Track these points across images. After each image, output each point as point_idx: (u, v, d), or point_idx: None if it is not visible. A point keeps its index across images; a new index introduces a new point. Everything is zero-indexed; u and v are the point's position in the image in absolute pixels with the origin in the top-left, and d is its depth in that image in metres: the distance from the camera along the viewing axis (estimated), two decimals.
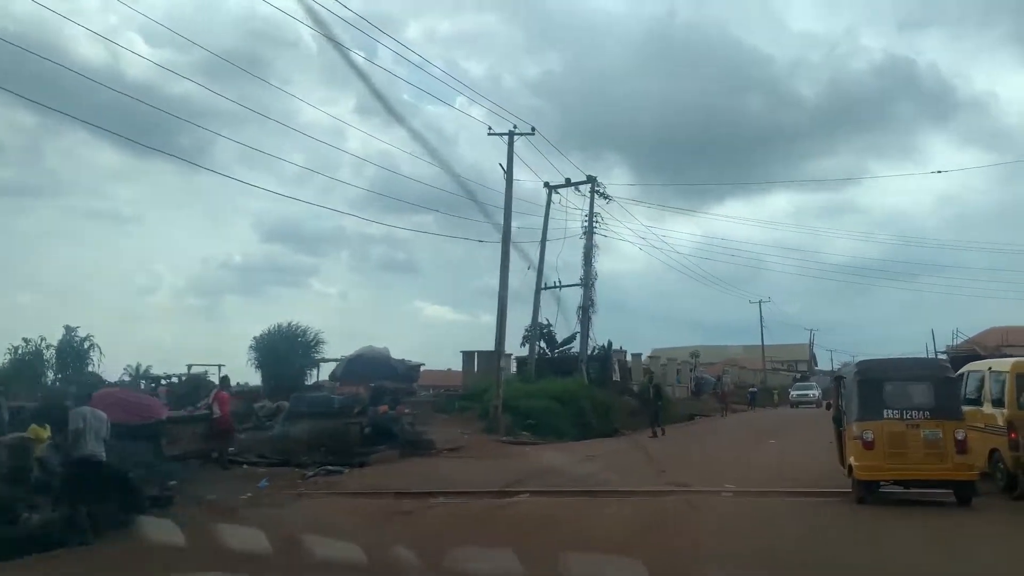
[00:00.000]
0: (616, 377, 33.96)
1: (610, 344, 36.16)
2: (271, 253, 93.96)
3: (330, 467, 14.75)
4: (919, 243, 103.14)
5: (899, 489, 11.12)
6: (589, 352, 32.61)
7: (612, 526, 9.18)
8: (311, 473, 14.28)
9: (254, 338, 32.04)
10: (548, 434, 24.28)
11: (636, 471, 14.61)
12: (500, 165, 24.72)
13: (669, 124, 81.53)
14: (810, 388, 50.83)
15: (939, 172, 68.02)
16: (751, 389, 56.87)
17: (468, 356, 32.02)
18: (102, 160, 73.01)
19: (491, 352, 32.70)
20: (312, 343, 34.65)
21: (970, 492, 10.53)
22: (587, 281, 31.76)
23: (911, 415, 10.71)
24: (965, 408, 12.49)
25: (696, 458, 16.42)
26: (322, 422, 18.18)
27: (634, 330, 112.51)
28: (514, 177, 24.78)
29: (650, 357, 46.44)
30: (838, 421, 12.35)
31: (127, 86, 38.22)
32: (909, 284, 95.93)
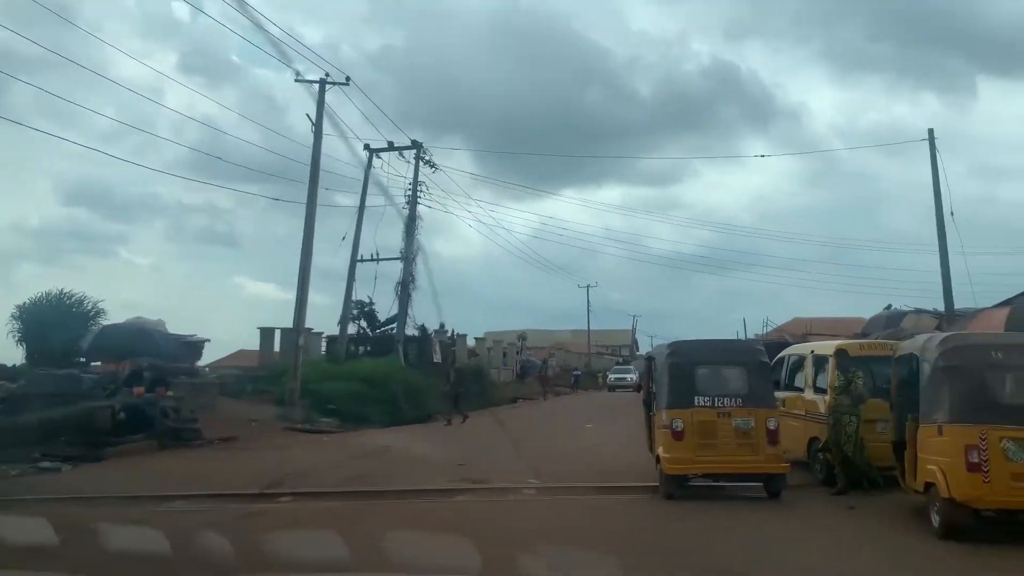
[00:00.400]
0: (437, 359, 32.02)
1: (442, 326, 34.41)
2: (74, 217, 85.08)
3: (45, 463, 11.74)
4: (736, 236, 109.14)
5: (708, 482, 10.19)
6: (409, 332, 30.44)
7: (367, 538, 7.09)
8: (15, 472, 11.24)
9: (16, 307, 27.40)
10: (353, 420, 22.03)
11: (431, 465, 12.69)
12: (307, 116, 21.95)
13: (511, 111, 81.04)
14: (628, 372, 51.24)
15: (763, 156, 71.13)
16: (574, 372, 57.14)
17: (267, 333, 28.82)
18: None
19: (305, 330, 30.09)
20: (91, 314, 30.44)
21: (780, 486, 9.80)
22: (408, 254, 29.58)
23: (723, 402, 9.84)
24: (784, 394, 11.66)
25: (505, 447, 14.75)
26: (63, 406, 14.86)
27: (469, 314, 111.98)
28: (326, 139, 22.08)
29: (477, 339, 44.94)
30: (648, 405, 11.17)
31: None
32: (725, 275, 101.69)
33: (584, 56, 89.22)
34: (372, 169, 29.48)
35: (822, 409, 10.44)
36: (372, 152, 29.56)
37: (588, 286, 70.83)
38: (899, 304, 26.67)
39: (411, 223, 29.57)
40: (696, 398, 9.88)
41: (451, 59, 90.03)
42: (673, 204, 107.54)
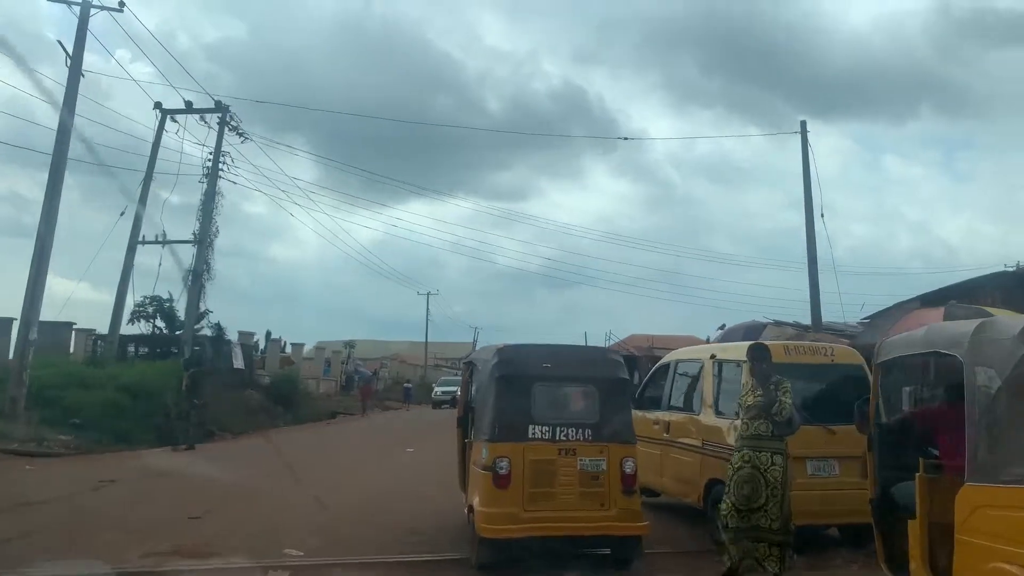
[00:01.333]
0: (238, 364, 27.02)
1: (260, 335, 29.21)
2: None
3: None
4: (578, 253, 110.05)
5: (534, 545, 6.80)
6: (199, 331, 25.28)
7: None
8: None
9: None
10: (105, 439, 16.98)
11: (149, 516, 8.39)
12: (59, 43, 16.86)
13: (358, 115, 76.43)
14: (456, 384, 47.75)
15: (625, 139, 68.36)
16: (406, 384, 53.05)
17: (3, 325, 22.65)
18: None
19: (57, 324, 24.25)
20: None
21: (634, 553, 6.97)
22: (203, 237, 24.48)
23: (566, 434, 6.91)
24: (669, 416, 8.47)
25: (278, 488, 10.48)
26: None
27: (300, 321, 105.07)
28: (80, 70, 16.98)
29: (294, 345, 39.94)
30: (464, 424, 8.24)
31: None
32: (566, 291, 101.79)
33: (435, 65, 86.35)
34: (166, 134, 24.39)
35: (729, 439, 7.15)
36: (165, 113, 24.45)
37: (428, 293, 67.04)
38: (757, 318, 25.26)
39: (209, 199, 24.61)
40: (532, 428, 6.88)
41: (296, 58, 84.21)
42: (520, 219, 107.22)
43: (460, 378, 22.43)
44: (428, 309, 67.57)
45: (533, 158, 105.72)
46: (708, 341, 40.05)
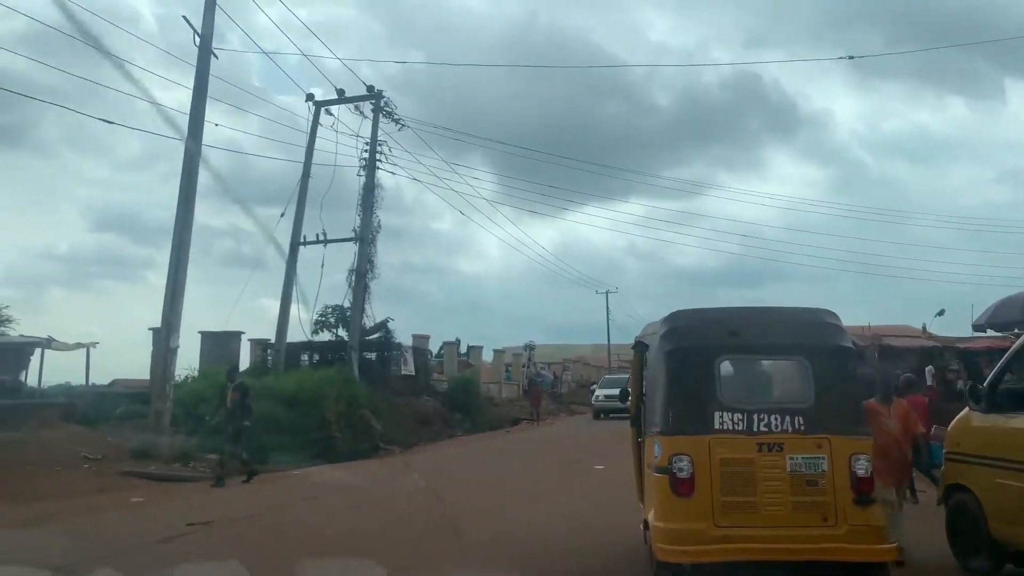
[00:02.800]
0: (406, 370, 25.06)
1: (412, 337, 27.35)
2: (102, 243, 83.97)
3: None
4: (762, 247, 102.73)
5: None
6: (365, 335, 23.48)
7: None
8: None
9: None
10: (255, 455, 15.10)
11: None
12: (185, 19, 15.27)
13: (531, 126, 75.30)
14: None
15: (850, 57, 58.46)
16: (592, 387, 49.92)
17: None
18: None
19: (227, 334, 23.32)
20: None
21: None
22: (364, 234, 22.66)
23: (768, 423, 5.25)
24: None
25: (427, 533, 7.45)
26: None
27: (482, 329, 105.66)
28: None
29: (471, 347, 37.96)
30: (637, 422, 6.74)
31: None
32: (751, 288, 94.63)
33: (603, 70, 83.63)
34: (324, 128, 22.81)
35: None
36: (319, 105, 22.88)
37: (607, 291, 63.66)
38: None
39: (368, 192, 22.71)
40: (719, 415, 5.33)
41: (469, 78, 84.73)
42: (698, 216, 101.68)
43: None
44: (608, 308, 64.24)
45: (710, 151, 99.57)
46: (925, 329, 34.25)
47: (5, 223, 73.25)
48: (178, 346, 14.85)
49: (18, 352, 16.87)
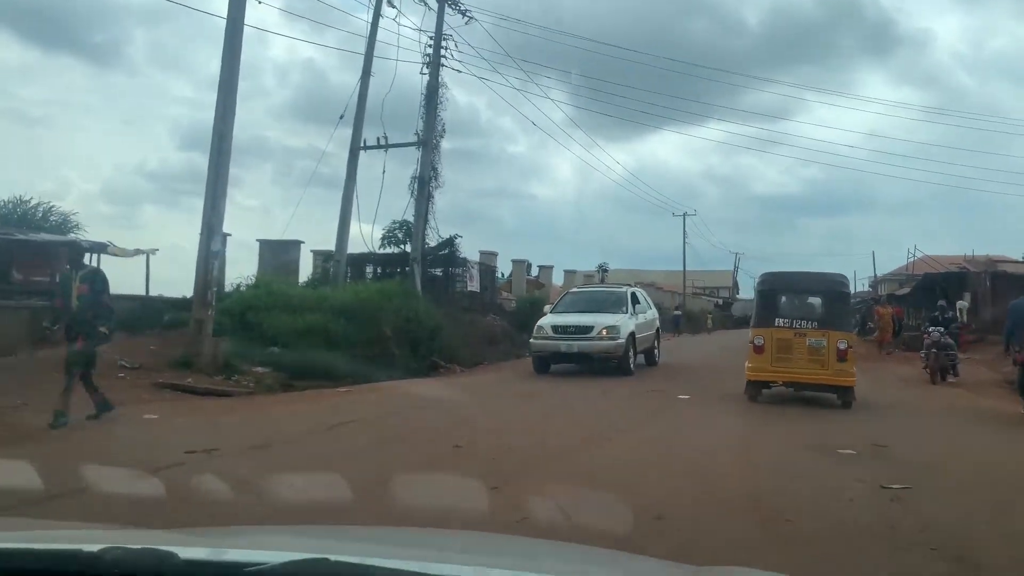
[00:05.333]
0: (472, 287, 23.58)
1: (479, 253, 25.80)
2: (190, 161, 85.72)
3: None
4: (846, 174, 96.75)
5: (790, 390, 12.01)
6: (429, 246, 21.97)
7: None
8: None
9: None
10: (306, 372, 13.93)
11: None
12: None
13: (610, 47, 71.12)
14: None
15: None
16: (675, 312, 47.84)
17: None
18: (6, 56, 60.19)
19: (286, 243, 22.20)
20: (61, 225, 23.47)
21: (850, 397, 11.46)
22: (427, 138, 20.87)
23: (799, 324, 11.72)
24: None
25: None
26: None
27: (554, 252, 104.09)
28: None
29: (542, 267, 36.25)
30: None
31: None
32: (833, 217, 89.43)
33: None
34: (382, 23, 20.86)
35: None
36: None
37: (685, 214, 60.80)
38: None
39: (432, 93, 20.81)
40: (777, 319, 11.86)
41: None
42: (780, 142, 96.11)
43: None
44: (685, 231, 61.40)
45: (798, 72, 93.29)
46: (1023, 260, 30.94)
47: (99, 142, 74.93)
48: (219, 250, 13.60)
49: (54, 252, 15.92)
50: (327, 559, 1.30)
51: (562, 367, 16.19)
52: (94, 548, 1.32)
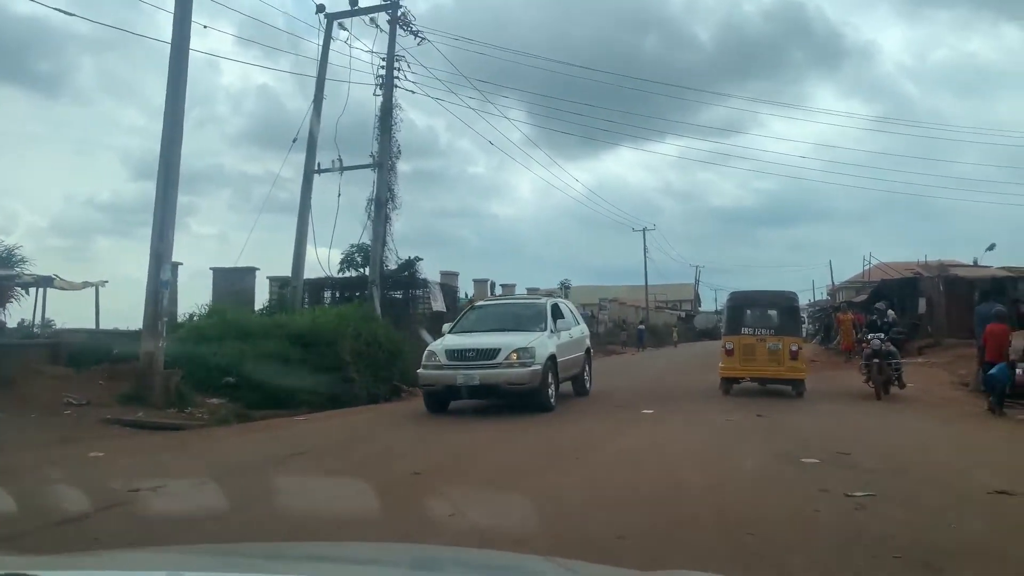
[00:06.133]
0: (437, 307, 23.35)
1: (440, 274, 25.47)
2: (142, 191, 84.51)
3: None
4: (800, 186, 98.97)
5: (755, 384, 15.30)
6: (389, 269, 21.73)
7: None
8: None
9: None
10: (264, 402, 13.58)
11: None
12: None
13: (565, 66, 71.79)
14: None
15: None
16: (639, 327, 48.14)
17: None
18: None
19: (240, 270, 21.79)
20: (6, 260, 22.72)
21: (801, 387, 14.81)
22: (384, 159, 20.68)
23: (760, 332, 15.10)
24: None
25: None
26: None
27: (513, 270, 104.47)
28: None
29: (504, 286, 36.11)
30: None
31: None
32: (790, 228, 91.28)
33: (640, 2, 79.15)
34: (334, 41, 20.71)
35: None
36: (330, 19, 20.71)
37: (644, 228, 61.27)
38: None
39: (386, 114, 20.63)
40: (743, 328, 15.23)
41: (502, 14, 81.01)
42: (735, 155, 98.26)
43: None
44: (645, 246, 61.82)
45: (751, 86, 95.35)
46: (976, 263, 31.73)
47: (48, 174, 73.36)
48: (168, 279, 13.19)
49: None
50: None
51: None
52: None
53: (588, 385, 15.28)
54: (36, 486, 6.20)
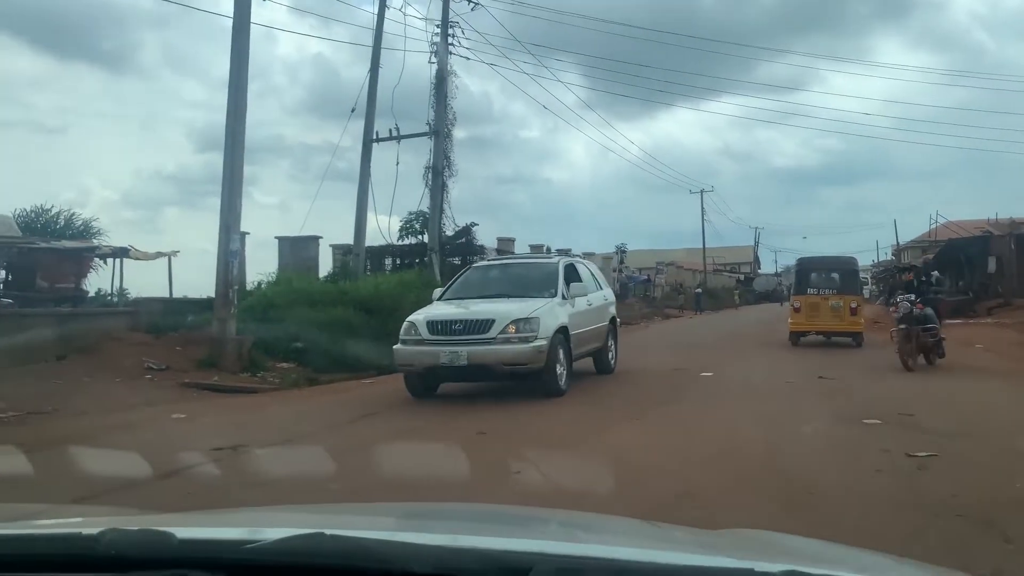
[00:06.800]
0: None
1: (496, 240, 25.71)
2: (208, 162, 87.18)
3: None
4: (865, 143, 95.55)
5: (821, 337, 18.16)
6: (446, 235, 22.03)
7: None
8: None
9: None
10: (328, 364, 14.06)
11: None
12: None
13: (620, 27, 70.37)
14: None
15: None
16: (696, 290, 47.81)
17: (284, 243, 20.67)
18: (20, 66, 61.29)
19: (304, 239, 22.35)
20: (83, 232, 23.84)
21: (860, 339, 17.47)
22: (439, 127, 20.87)
23: (824, 292, 17.80)
24: None
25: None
26: None
27: (573, 235, 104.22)
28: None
29: (559, 251, 36.04)
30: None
31: None
32: (853, 188, 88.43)
33: None
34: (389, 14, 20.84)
35: None
36: None
37: (702, 191, 60.44)
38: None
39: (440, 81, 20.77)
40: (808, 289, 18.16)
41: None
42: (797, 112, 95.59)
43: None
44: (703, 208, 61.05)
45: (811, 41, 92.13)
46: None
47: (117, 148, 75.89)
48: (238, 249, 13.71)
49: (76, 259, 16.14)
50: (323, 533, 1.30)
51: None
52: (93, 531, 1.34)
53: (613, 362, 12.88)
54: (129, 446, 6.65)
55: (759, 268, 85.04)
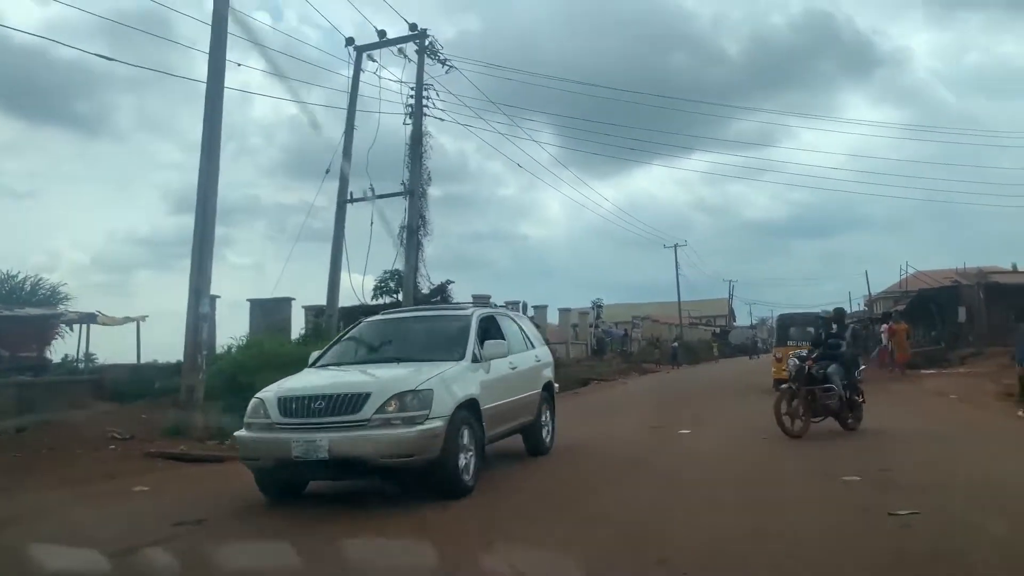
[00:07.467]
0: None
1: (472, 296, 25.66)
2: (181, 225, 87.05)
3: None
4: (833, 196, 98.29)
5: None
6: (422, 293, 21.91)
7: None
8: None
9: None
10: None
11: None
12: None
13: (595, 85, 72.49)
14: None
15: None
16: (673, 344, 47.90)
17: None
18: None
19: (276, 300, 22.10)
20: (50, 298, 23.38)
21: None
22: (414, 187, 20.94)
23: (802, 343, 17.64)
24: None
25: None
26: None
27: (547, 290, 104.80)
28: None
29: (536, 307, 36.11)
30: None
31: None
32: (825, 239, 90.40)
33: (668, 20, 79.62)
34: (363, 72, 21.09)
35: None
36: (360, 51, 21.10)
37: (676, 245, 61.13)
38: None
39: (415, 142, 20.92)
40: (788, 341, 21.13)
41: (532, 37, 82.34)
42: (767, 168, 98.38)
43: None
44: (677, 262, 61.64)
45: (781, 99, 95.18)
46: (1015, 269, 31.10)
47: (89, 211, 75.48)
48: (208, 312, 13.48)
49: (40, 326, 15.79)
50: None
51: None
52: None
53: (549, 439, 10.38)
54: (86, 522, 6.35)
55: (734, 320, 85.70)
